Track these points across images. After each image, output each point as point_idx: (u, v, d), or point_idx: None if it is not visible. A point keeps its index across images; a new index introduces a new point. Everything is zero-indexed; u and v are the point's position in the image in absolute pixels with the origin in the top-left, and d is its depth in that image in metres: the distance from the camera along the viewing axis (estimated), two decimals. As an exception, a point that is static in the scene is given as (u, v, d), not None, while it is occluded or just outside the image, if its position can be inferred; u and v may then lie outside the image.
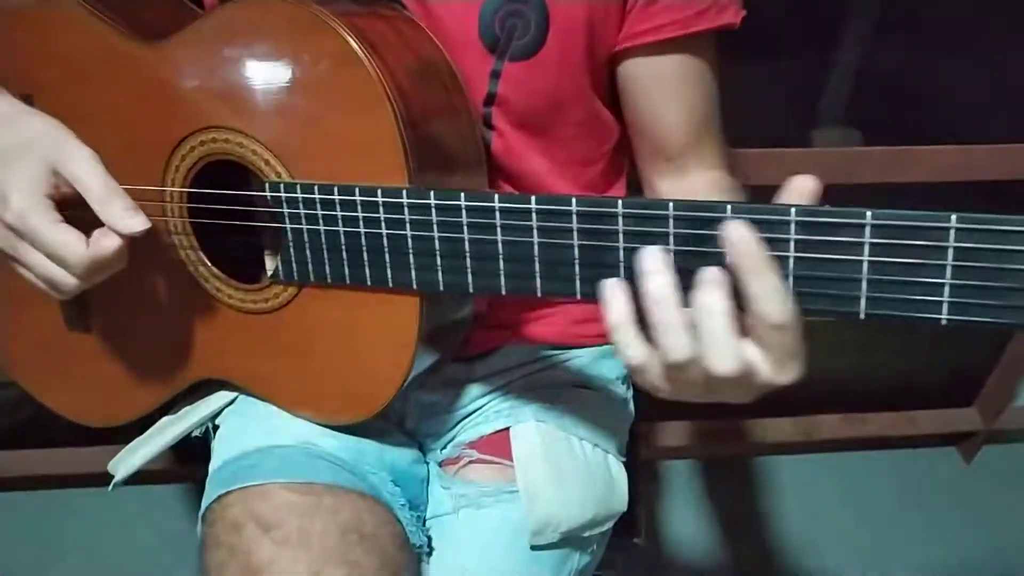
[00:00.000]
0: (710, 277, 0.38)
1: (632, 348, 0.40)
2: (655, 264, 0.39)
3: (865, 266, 0.38)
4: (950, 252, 0.36)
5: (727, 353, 0.38)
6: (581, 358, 0.70)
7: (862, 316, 0.39)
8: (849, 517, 1.33)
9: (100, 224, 0.48)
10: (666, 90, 0.58)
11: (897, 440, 1.42)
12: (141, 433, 0.65)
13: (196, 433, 0.64)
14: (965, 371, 1.44)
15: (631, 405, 0.74)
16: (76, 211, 0.49)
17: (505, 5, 0.54)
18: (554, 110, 0.59)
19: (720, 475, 1.40)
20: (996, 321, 0.37)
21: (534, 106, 0.58)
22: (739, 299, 0.39)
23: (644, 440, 1.29)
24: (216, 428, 0.63)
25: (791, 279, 0.39)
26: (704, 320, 0.38)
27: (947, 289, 0.37)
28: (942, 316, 0.38)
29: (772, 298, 0.37)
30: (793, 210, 0.38)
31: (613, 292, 0.40)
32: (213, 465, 0.60)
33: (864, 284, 0.38)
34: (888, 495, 1.38)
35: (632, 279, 0.41)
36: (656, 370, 0.40)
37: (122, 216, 0.47)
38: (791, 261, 0.39)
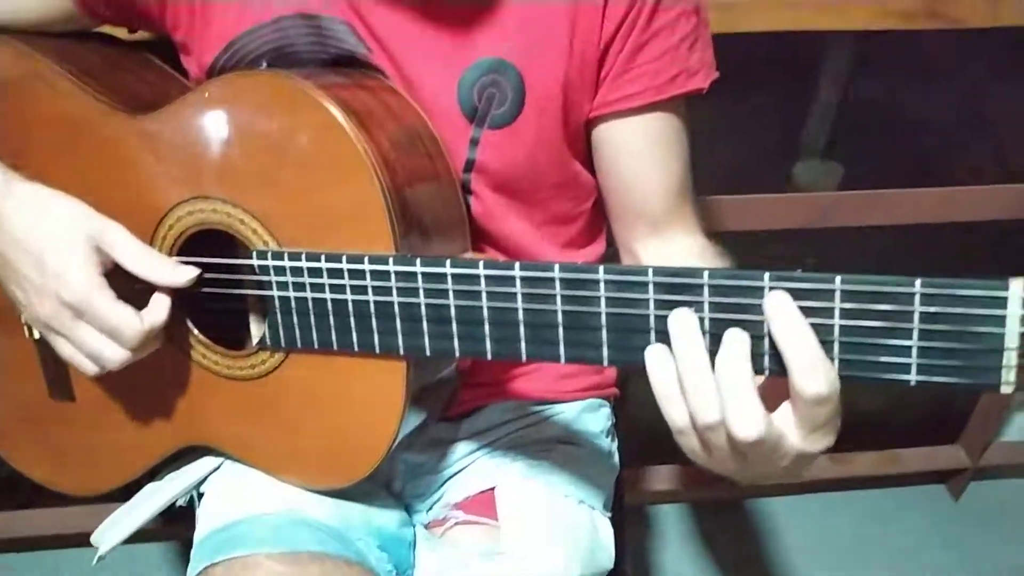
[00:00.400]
0: (731, 339, 0.39)
1: (674, 410, 0.40)
2: (684, 327, 0.40)
3: (836, 329, 0.39)
4: (916, 316, 0.38)
5: (750, 416, 0.37)
6: (565, 413, 0.70)
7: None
8: (839, 557, 1.33)
9: (132, 296, 0.51)
10: (641, 153, 0.60)
11: (885, 479, 1.43)
12: (125, 496, 0.64)
13: (181, 502, 0.63)
14: (949, 408, 1.45)
15: (616, 458, 0.74)
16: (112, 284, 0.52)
17: (483, 76, 0.56)
18: (532, 174, 0.60)
19: (707, 518, 1.39)
20: (961, 382, 0.38)
21: (512, 171, 0.59)
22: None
23: (631, 485, 1.28)
24: (201, 496, 0.63)
25: (766, 342, 0.40)
26: (726, 383, 0.38)
27: (915, 351, 0.38)
28: (911, 377, 0.39)
29: (813, 369, 0.37)
30: (767, 275, 0.40)
31: (655, 356, 0.40)
32: (198, 535, 0.59)
33: (836, 347, 0.39)
34: (878, 533, 1.38)
35: (617, 346, 0.42)
36: (694, 434, 0.40)
37: (173, 272, 0.52)
38: (765, 326, 0.40)
